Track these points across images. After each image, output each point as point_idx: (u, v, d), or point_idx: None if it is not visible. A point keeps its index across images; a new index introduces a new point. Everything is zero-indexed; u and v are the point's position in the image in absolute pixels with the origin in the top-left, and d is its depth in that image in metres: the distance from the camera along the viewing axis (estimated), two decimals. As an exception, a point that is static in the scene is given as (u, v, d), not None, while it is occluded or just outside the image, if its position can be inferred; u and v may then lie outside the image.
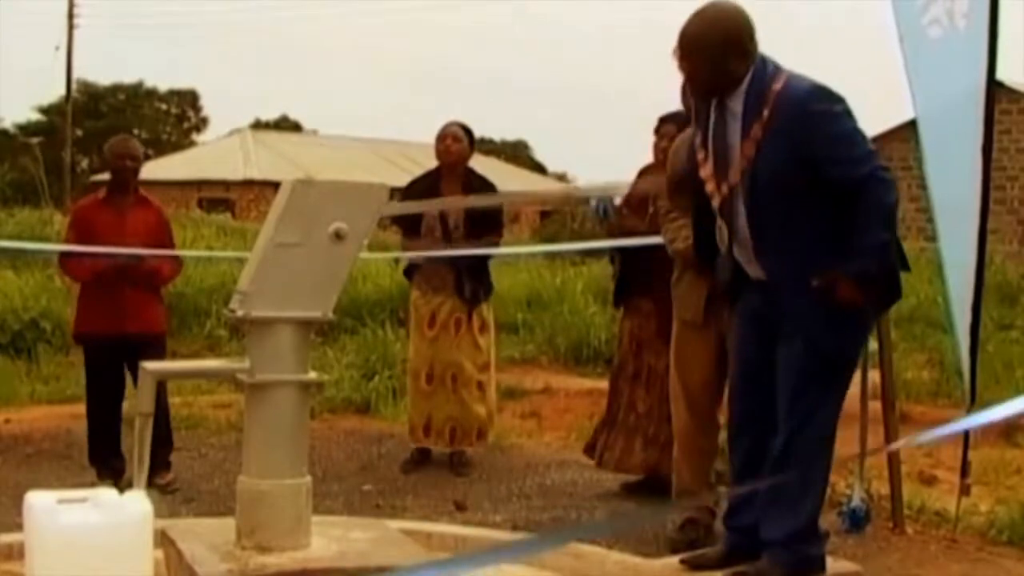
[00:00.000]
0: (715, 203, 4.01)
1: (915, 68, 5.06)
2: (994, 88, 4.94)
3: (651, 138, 5.57)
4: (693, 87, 4.07)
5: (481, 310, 6.28)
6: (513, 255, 12.10)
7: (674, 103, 4.80)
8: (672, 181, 4.65)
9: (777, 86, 3.84)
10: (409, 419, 6.39)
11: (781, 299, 3.93)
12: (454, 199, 6.13)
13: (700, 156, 4.04)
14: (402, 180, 6.63)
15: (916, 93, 5.08)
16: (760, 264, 3.95)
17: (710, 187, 4.01)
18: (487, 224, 6.25)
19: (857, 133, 3.92)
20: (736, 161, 3.89)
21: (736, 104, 3.89)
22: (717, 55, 3.85)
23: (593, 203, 6.00)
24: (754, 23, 3.92)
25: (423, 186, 6.32)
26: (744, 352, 4.12)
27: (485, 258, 6.34)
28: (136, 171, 5.94)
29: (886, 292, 4.04)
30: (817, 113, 3.82)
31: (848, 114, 3.88)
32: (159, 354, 5.53)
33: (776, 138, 3.81)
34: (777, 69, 3.90)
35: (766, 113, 3.82)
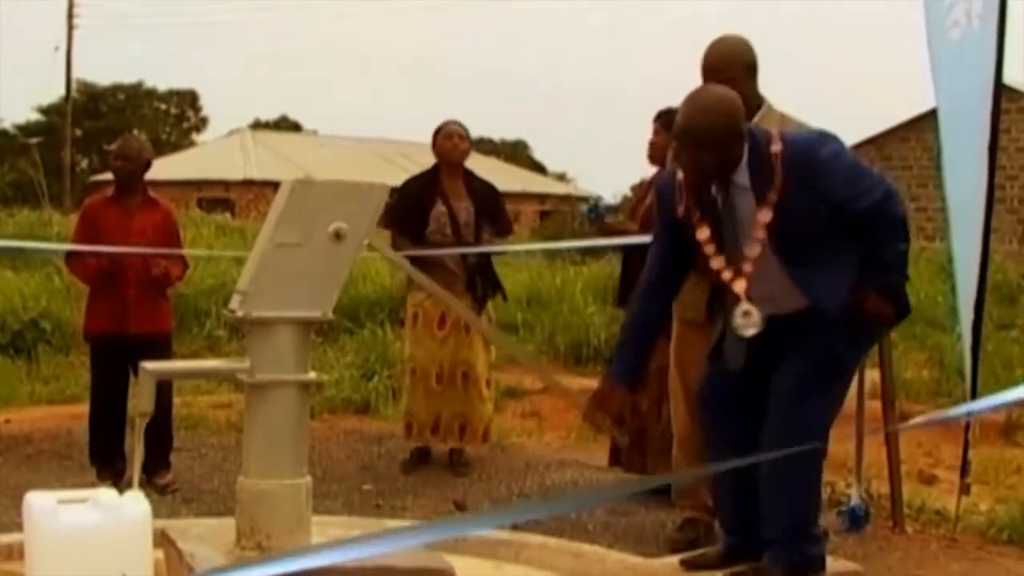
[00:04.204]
0: (739, 287, 3.94)
1: (938, 69, 5.12)
2: (1001, 88, 4.97)
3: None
4: (694, 176, 3.97)
5: (488, 308, 6.28)
6: (512, 255, 12.09)
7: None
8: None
9: (776, 148, 3.88)
10: (412, 418, 6.29)
11: (806, 319, 3.95)
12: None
13: (711, 249, 3.99)
14: (402, 180, 6.62)
15: (938, 94, 5.15)
16: (808, 298, 3.95)
17: (727, 275, 3.97)
18: (496, 222, 6.25)
19: (861, 162, 4.12)
20: (753, 233, 3.90)
21: (741, 178, 3.91)
22: (720, 144, 3.85)
23: (585, 208, 6.06)
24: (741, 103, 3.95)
25: (421, 185, 6.31)
26: (732, 385, 4.10)
27: (492, 256, 6.35)
28: (131, 170, 5.85)
29: (903, 304, 4.08)
30: (825, 158, 3.90)
31: (845, 148, 4.03)
32: (164, 354, 5.52)
33: (792, 195, 3.85)
34: (766, 133, 3.95)
35: (776, 177, 3.86)
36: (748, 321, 3.95)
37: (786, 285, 3.95)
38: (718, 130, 3.84)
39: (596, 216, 5.74)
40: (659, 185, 4.32)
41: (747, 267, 3.94)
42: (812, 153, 3.89)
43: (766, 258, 3.93)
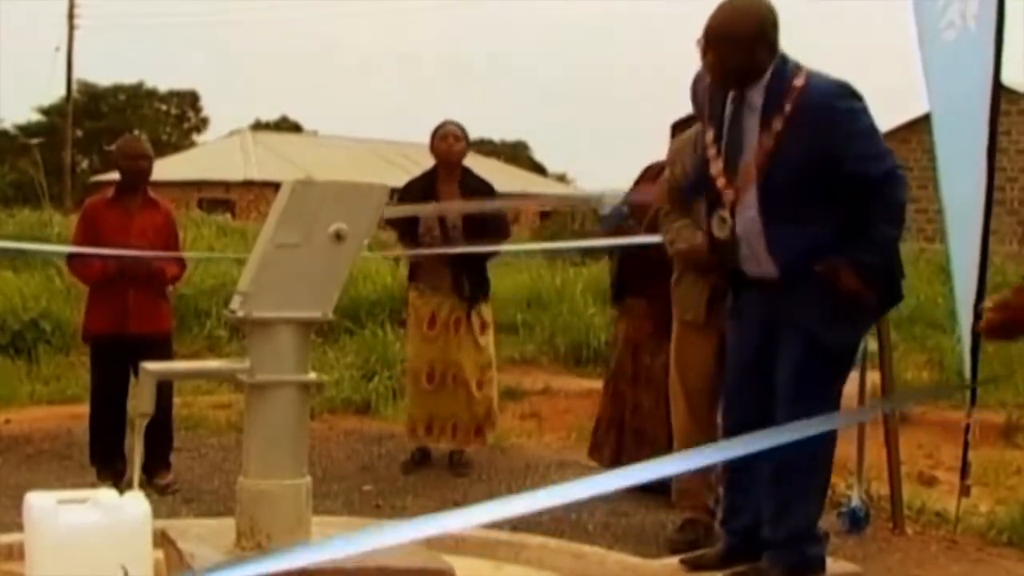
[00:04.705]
0: (727, 199, 3.96)
1: (931, 70, 5.11)
2: (1000, 89, 4.96)
3: (652, 139, 5.59)
4: (716, 77, 3.98)
5: (480, 309, 6.26)
6: (513, 255, 12.10)
7: (677, 106, 4.80)
8: (672, 189, 4.69)
9: (799, 82, 3.85)
10: (409, 418, 6.36)
11: (785, 295, 3.92)
12: (451, 204, 6.10)
13: (712, 152, 4.00)
14: (402, 180, 6.62)
15: (931, 95, 5.13)
16: (772, 259, 3.93)
17: (721, 183, 3.97)
18: (488, 225, 6.23)
19: (877, 131, 3.99)
20: (751, 154, 3.88)
21: (756, 97, 3.89)
22: (745, 45, 3.84)
23: (606, 209, 6.05)
24: (778, 15, 3.92)
25: (419, 187, 6.31)
26: (743, 355, 4.11)
27: (483, 258, 6.33)
28: (139, 169, 5.88)
29: (888, 291, 4.05)
30: (843, 110, 3.86)
31: (868, 112, 3.93)
32: (165, 354, 5.52)
33: (798, 133, 3.82)
34: (797, 66, 3.91)
35: (788, 108, 3.83)
36: (722, 228, 3.96)
37: (758, 231, 3.92)
38: (747, 32, 3.84)
39: (619, 220, 5.76)
40: (694, 80, 4.29)
41: (737, 182, 3.91)
42: (830, 101, 3.85)
43: (749, 197, 3.89)
